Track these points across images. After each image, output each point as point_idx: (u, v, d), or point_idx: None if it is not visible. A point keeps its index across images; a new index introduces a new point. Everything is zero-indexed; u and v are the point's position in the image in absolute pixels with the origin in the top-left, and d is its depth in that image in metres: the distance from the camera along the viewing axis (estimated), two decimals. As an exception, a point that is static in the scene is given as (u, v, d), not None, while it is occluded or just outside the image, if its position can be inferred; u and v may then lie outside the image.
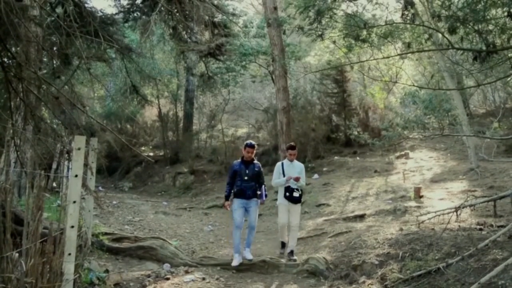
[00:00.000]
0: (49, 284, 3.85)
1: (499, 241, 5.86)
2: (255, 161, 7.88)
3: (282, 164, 8.17)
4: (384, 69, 18.24)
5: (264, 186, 7.93)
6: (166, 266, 7.23)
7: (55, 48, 8.52)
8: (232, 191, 7.72)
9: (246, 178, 7.60)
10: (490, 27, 6.50)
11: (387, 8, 8.19)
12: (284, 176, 7.95)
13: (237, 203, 7.60)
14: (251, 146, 7.76)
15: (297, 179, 7.80)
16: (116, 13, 10.86)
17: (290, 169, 8.03)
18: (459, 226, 7.21)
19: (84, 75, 11.38)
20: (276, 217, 9.47)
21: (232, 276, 7.11)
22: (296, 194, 7.89)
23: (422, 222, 7.78)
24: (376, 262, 6.60)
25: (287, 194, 7.86)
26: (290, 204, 7.89)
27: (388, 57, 9.47)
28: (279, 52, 16.13)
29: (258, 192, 7.76)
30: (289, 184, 7.86)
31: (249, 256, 7.51)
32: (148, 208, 13.59)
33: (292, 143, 8.51)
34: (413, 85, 12.37)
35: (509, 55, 6.92)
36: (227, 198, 7.73)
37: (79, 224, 4.53)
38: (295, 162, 8.22)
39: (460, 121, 13.16)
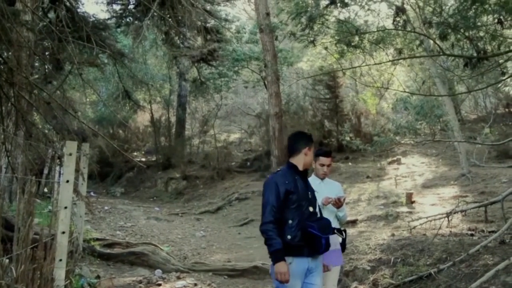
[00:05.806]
0: (40, 290, 3.82)
1: (490, 247, 5.89)
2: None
3: None
4: (376, 75, 18.28)
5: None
6: (158, 272, 7.20)
7: (47, 53, 8.51)
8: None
9: (311, 209, 3.55)
10: (481, 33, 6.54)
11: (379, 14, 8.21)
12: None
13: (295, 267, 3.35)
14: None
15: (338, 203, 4.32)
16: (108, 18, 10.90)
17: (323, 192, 4.43)
18: (451, 231, 7.25)
19: (76, 80, 11.37)
20: None
21: (224, 282, 7.10)
22: (336, 238, 4.25)
23: (414, 227, 7.80)
24: (368, 268, 6.60)
25: None
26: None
27: (380, 63, 9.50)
28: (271, 58, 16.15)
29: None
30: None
31: None
32: (140, 214, 13.52)
33: (326, 148, 5.18)
34: (405, 91, 12.40)
35: (500, 61, 6.96)
36: (279, 255, 3.25)
37: (70, 229, 4.51)
38: (329, 180, 4.74)
39: (452, 127, 13.24)
